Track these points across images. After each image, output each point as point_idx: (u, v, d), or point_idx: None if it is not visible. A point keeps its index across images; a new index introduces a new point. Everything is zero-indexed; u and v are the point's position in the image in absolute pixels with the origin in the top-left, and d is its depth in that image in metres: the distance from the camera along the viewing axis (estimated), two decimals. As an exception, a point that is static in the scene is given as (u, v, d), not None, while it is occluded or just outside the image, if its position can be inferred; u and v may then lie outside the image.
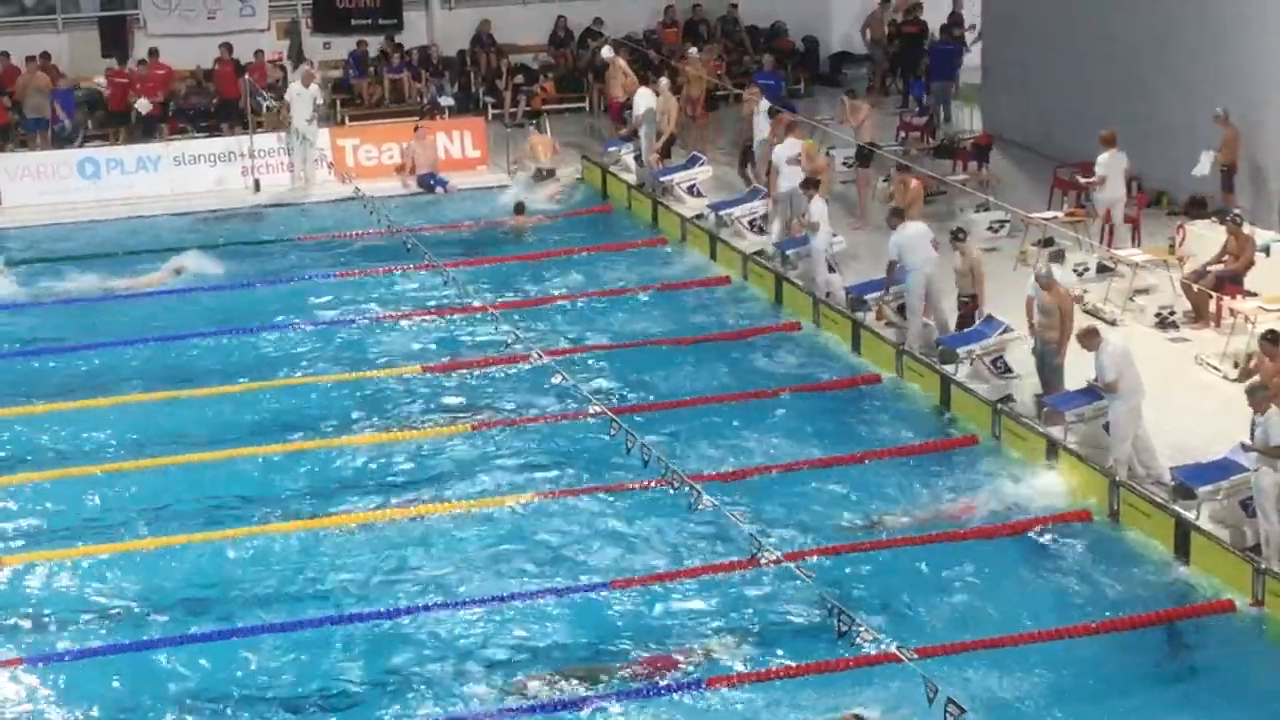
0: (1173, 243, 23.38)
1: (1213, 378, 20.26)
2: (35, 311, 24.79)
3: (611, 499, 18.24)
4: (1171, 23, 26.16)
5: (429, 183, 30.37)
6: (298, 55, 33.44)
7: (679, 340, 22.78)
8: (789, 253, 24.37)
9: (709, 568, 16.70)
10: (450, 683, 14.96)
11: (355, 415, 20.68)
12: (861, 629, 12.86)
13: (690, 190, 28.29)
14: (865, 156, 26.70)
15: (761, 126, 27.32)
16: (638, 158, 29.32)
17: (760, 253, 25.18)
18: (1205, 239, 22.65)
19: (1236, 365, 19.91)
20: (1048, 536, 17.28)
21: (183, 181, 30.15)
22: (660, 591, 16.36)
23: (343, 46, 34.78)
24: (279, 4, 34.46)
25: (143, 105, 31.49)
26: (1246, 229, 21.97)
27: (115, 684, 15.00)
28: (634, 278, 25.54)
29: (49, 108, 31.34)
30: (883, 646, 13.63)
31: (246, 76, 32.32)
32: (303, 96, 30.08)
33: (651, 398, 20.89)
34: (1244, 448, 16.33)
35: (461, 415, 20.59)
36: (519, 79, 34.68)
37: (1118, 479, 17.45)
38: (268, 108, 31.17)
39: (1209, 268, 21.85)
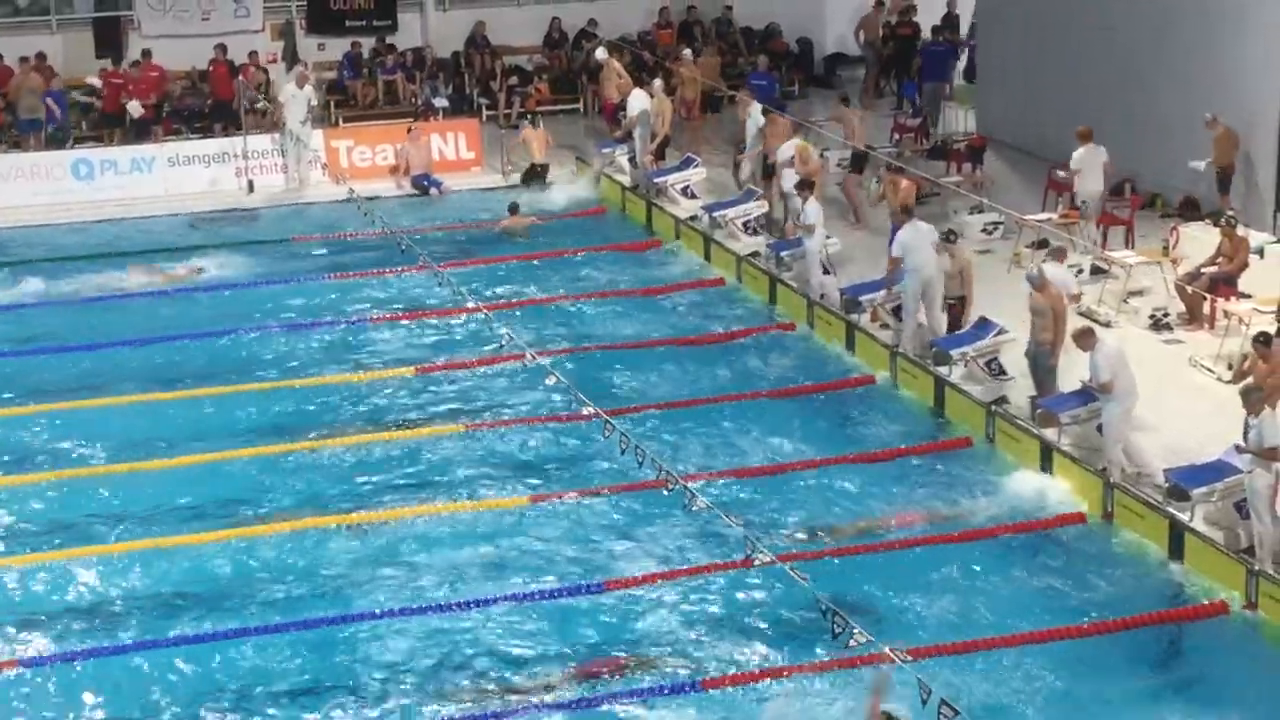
0: (1167, 244, 23.40)
1: (1207, 379, 20.27)
2: (27, 312, 24.73)
3: (605, 500, 18.22)
4: (1166, 24, 26.19)
5: (423, 184, 30.36)
6: (292, 56, 33.42)
7: (673, 341, 22.78)
8: (783, 255, 24.37)
9: (703, 568, 16.70)
10: (442, 683, 14.95)
11: (349, 416, 20.67)
12: (855, 630, 12.86)
13: (684, 192, 28.28)
14: (859, 161, 26.71)
15: (751, 129, 27.35)
16: (632, 159, 29.31)
17: (755, 254, 25.18)
18: (1199, 241, 22.67)
19: (1230, 367, 19.93)
20: (1041, 538, 17.28)
21: (177, 182, 30.14)
22: (654, 592, 16.35)
23: (337, 48, 34.77)
24: (273, 5, 34.45)
25: (134, 108, 31.46)
26: (1240, 231, 22.00)
27: (108, 686, 14.98)
28: (628, 279, 25.54)
29: (42, 108, 31.32)
30: (876, 648, 13.61)
31: (241, 78, 32.34)
32: (297, 98, 30.08)
33: (646, 399, 20.87)
34: (1238, 449, 16.33)
35: (455, 416, 20.57)
36: (513, 80, 34.68)
37: (1111, 481, 17.45)
38: (257, 107, 31.19)
39: (1203, 269, 21.87)
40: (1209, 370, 20.41)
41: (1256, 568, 15.76)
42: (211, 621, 15.96)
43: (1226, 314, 21.04)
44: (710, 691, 14.65)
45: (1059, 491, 17.99)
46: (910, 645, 14.67)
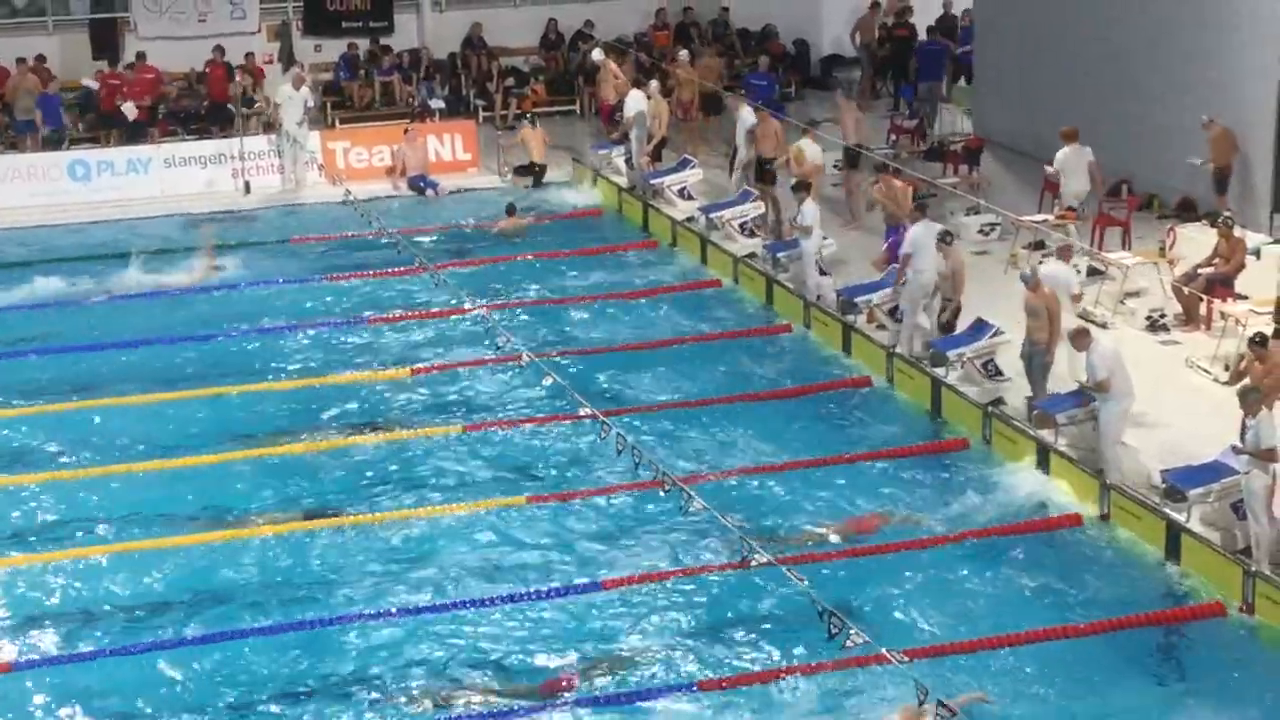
0: (1163, 245, 23.41)
1: (1203, 380, 20.28)
2: (23, 313, 24.72)
3: (602, 501, 18.21)
4: (1162, 26, 26.20)
5: (419, 185, 30.36)
6: (288, 58, 33.40)
7: (669, 342, 22.77)
8: (780, 256, 24.37)
9: (699, 569, 16.69)
10: (439, 684, 14.93)
11: (345, 418, 20.64)
12: (852, 631, 12.85)
13: (681, 193, 28.28)
14: (853, 159, 26.73)
15: (739, 132, 27.38)
16: (628, 161, 29.32)
17: (751, 255, 25.18)
18: (1196, 242, 22.68)
19: (1227, 368, 19.94)
20: (1038, 539, 17.28)
21: (173, 184, 30.13)
22: (651, 593, 16.34)
23: (333, 49, 34.78)
24: (270, 6, 34.46)
25: (129, 110, 31.46)
26: (1237, 232, 22.01)
27: (108, 688, 14.96)
28: (624, 281, 25.53)
29: (38, 112, 31.31)
30: (873, 649, 13.61)
31: (237, 78, 32.38)
32: (293, 99, 30.08)
33: (642, 400, 20.87)
34: (1235, 450, 16.34)
35: (451, 417, 20.56)
36: (510, 81, 34.70)
37: (1108, 482, 17.45)
38: (254, 108, 31.21)
39: (1200, 270, 21.88)
40: (1205, 371, 20.42)
41: (1253, 569, 15.76)
42: (206, 624, 15.94)
43: (1223, 315, 21.04)
44: (706, 693, 14.63)
45: (1055, 492, 17.99)
46: (907, 646, 14.68)
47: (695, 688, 14.72)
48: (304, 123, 30.24)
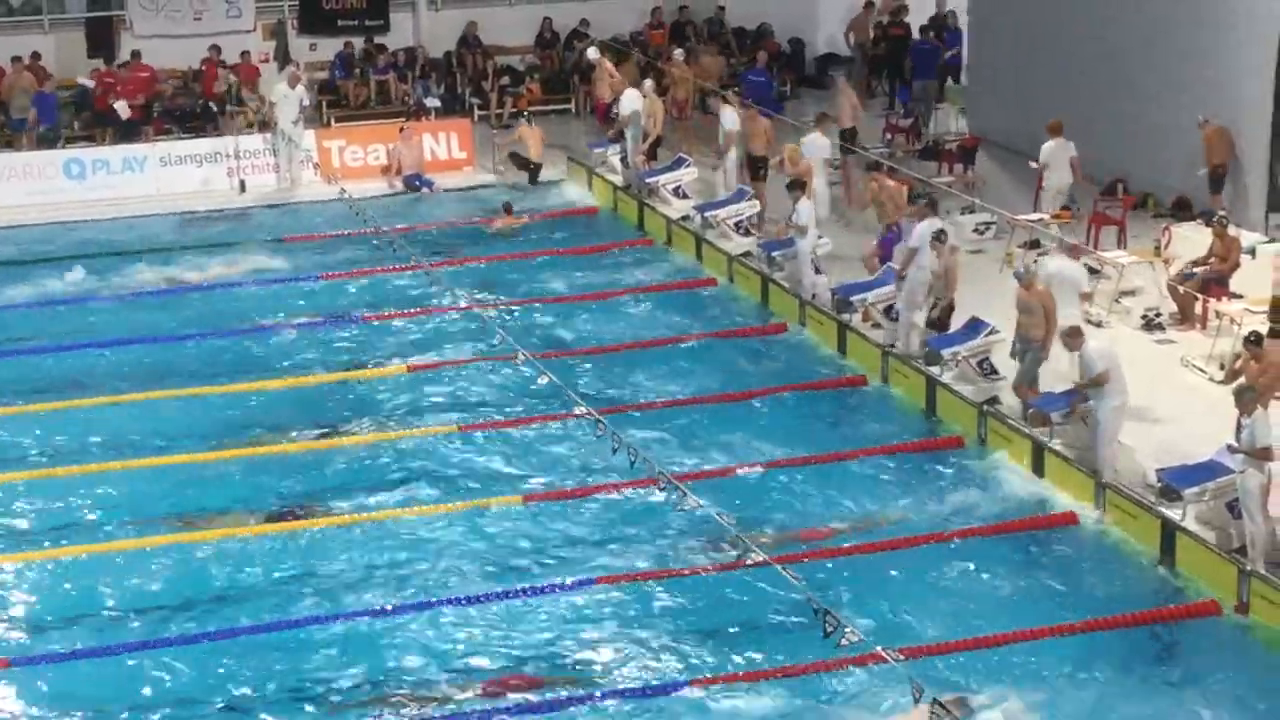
0: (1159, 244, 23.42)
1: (1198, 379, 20.29)
2: (20, 312, 24.71)
3: (597, 499, 18.21)
4: (1157, 25, 26.21)
5: (414, 184, 30.35)
6: (284, 56, 33.39)
7: (665, 341, 22.76)
8: (775, 254, 24.37)
9: (695, 568, 16.68)
10: (434, 683, 14.93)
11: (341, 416, 20.63)
12: (848, 630, 12.86)
13: (676, 192, 28.29)
14: (851, 138, 26.68)
15: (720, 133, 27.38)
16: (623, 159, 29.31)
17: (747, 254, 25.18)
18: (1191, 241, 22.69)
19: (1222, 367, 19.94)
20: (1033, 538, 17.29)
21: (168, 182, 30.12)
22: (646, 591, 16.34)
23: (329, 47, 34.77)
24: (265, 5, 34.43)
25: (122, 108, 31.43)
26: (1232, 231, 22.02)
27: (100, 685, 14.94)
28: (620, 279, 25.52)
29: (32, 110, 31.30)
30: (869, 647, 13.62)
31: (233, 77, 32.38)
32: (289, 98, 30.06)
33: (637, 399, 20.87)
34: (1230, 449, 16.33)
35: (447, 415, 20.55)
36: (505, 80, 34.70)
37: (1103, 480, 17.45)
38: (249, 107, 31.26)
39: (1195, 269, 21.89)
40: (1201, 370, 20.43)
41: (1248, 568, 15.75)
42: (202, 622, 15.92)
43: (1218, 314, 21.06)
44: (700, 691, 14.63)
45: (1050, 491, 18.00)
46: (902, 645, 14.68)
47: (689, 685, 14.71)
48: (299, 121, 30.23)
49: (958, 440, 19.40)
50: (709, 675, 14.90)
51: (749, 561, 15.78)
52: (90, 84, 32.16)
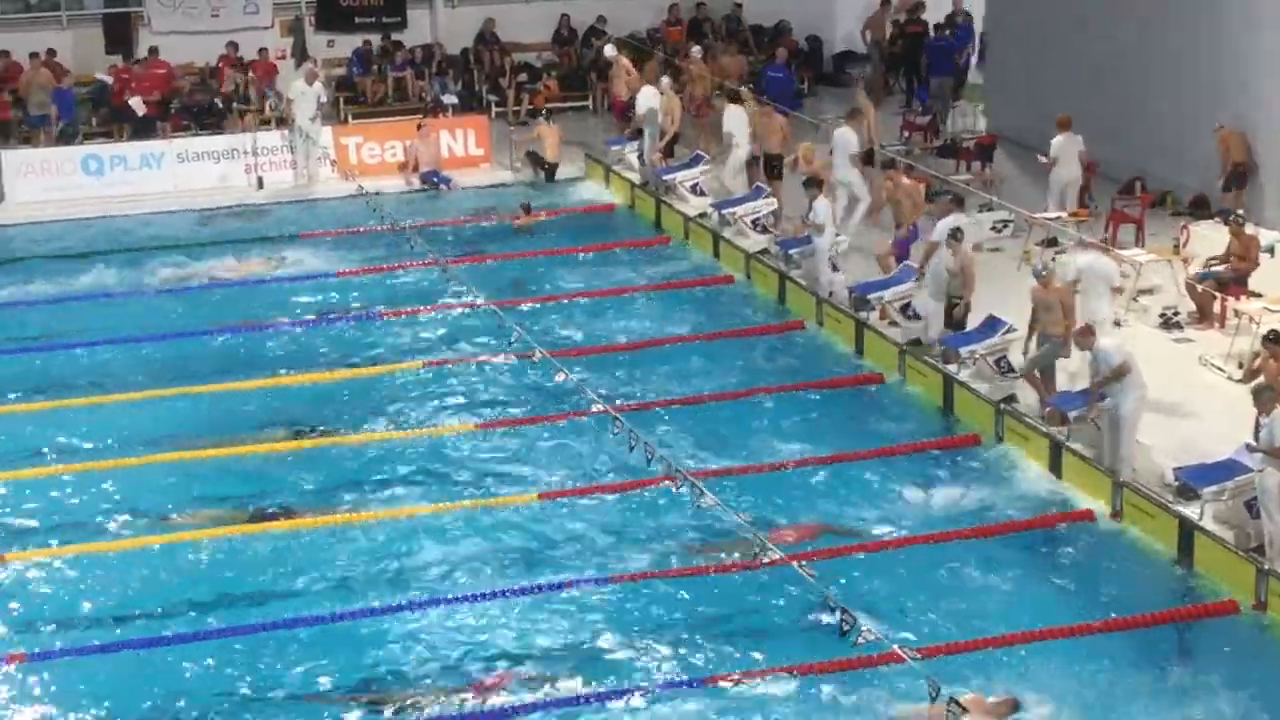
0: (1177, 243, 23.37)
1: (1217, 378, 20.24)
2: (40, 309, 24.76)
3: (614, 497, 18.20)
4: (1175, 23, 26.14)
5: (432, 180, 30.37)
6: (301, 53, 33.46)
7: (682, 339, 22.76)
8: (792, 252, 24.34)
9: (711, 566, 16.67)
10: (449, 680, 14.93)
11: (356, 413, 20.63)
12: (864, 628, 12.84)
13: (693, 189, 28.28)
14: (869, 157, 26.69)
15: (723, 130, 27.30)
16: (640, 156, 29.31)
17: (764, 251, 25.16)
18: (1210, 239, 22.64)
19: (1241, 366, 19.90)
20: (1050, 536, 17.26)
21: (186, 178, 30.17)
22: (662, 590, 16.32)
23: (346, 44, 34.81)
24: (283, 1, 34.46)
25: (137, 104, 31.49)
26: (1250, 229, 21.96)
27: (117, 682, 14.96)
28: (637, 276, 25.52)
29: (51, 106, 31.37)
30: (885, 646, 13.60)
31: (240, 76, 32.44)
32: (306, 94, 30.11)
33: (654, 396, 20.85)
34: (1249, 448, 16.30)
35: (463, 413, 20.56)
36: (522, 77, 34.70)
37: (1121, 479, 17.40)
38: (236, 106, 31.41)
39: (1213, 268, 21.83)
40: (1219, 369, 20.38)
41: (1266, 567, 15.72)
42: (215, 619, 15.94)
43: (1237, 313, 21.01)
44: (715, 688, 14.62)
45: (1068, 489, 17.97)
46: (919, 644, 14.66)
47: (704, 683, 14.70)
48: (317, 118, 30.27)
49: (974, 438, 19.37)
50: (724, 673, 14.87)
51: (765, 560, 15.76)
52: (109, 80, 32.23)
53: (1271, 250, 21.97)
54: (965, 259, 20.80)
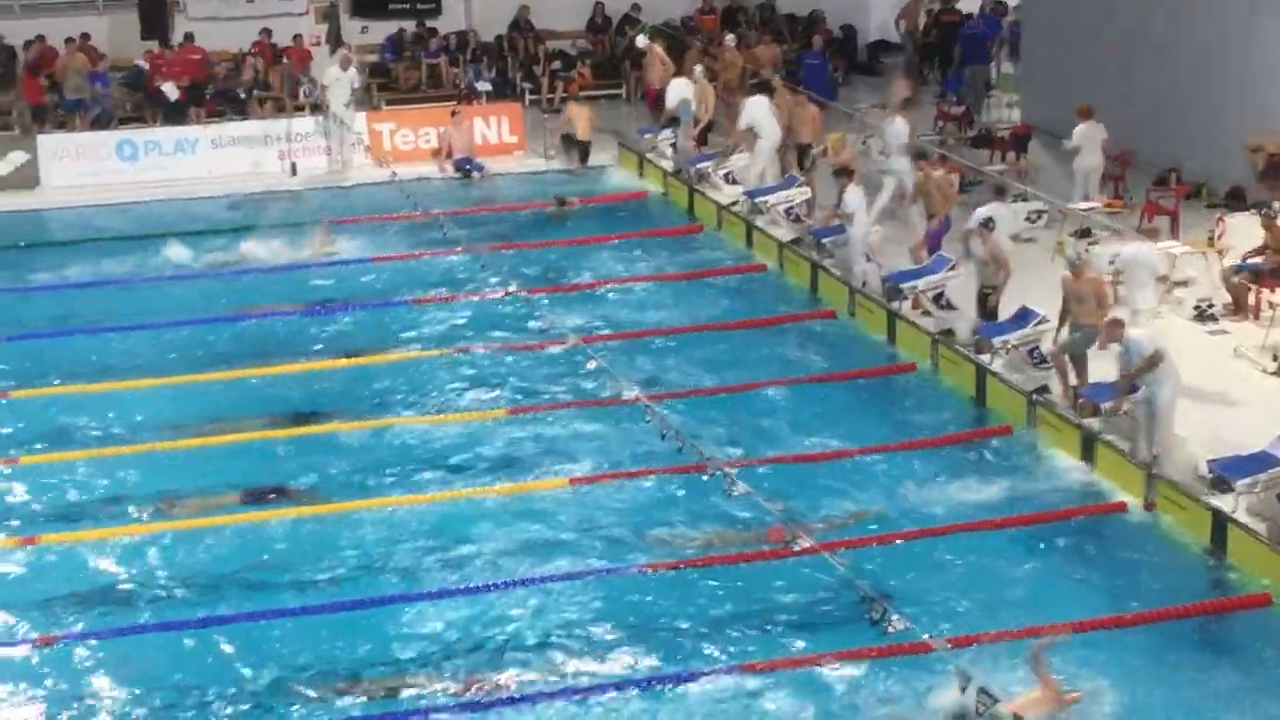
0: (1212, 235, 23.28)
1: (1252, 370, 20.18)
2: (73, 292, 24.88)
3: (644, 485, 18.20)
4: (1210, 14, 26.03)
5: (465, 167, 30.41)
6: (336, 39, 33.54)
7: (714, 327, 22.75)
8: (825, 241, 24.31)
9: (742, 555, 16.67)
10: (476, 664, 14.95)
11: (389, 399, 20.68)
12: (895, 617, 12.83)
13: (726, 178, 28.26)
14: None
15: (742, 123, 27.31)
16: (674, 145, 29.30)
17: (797, 240, 25.14)
18: (1245, 231, 22.54)
19: (1275, 358, 19.84)
20: (1082, 527, 17.22)
21: (220, 164, 30.28)
22: (694, 577, 16.33)
23: (380, 30, 34.88)
24: (317, -12, 34.60)
25: (169, 90, 31.60)
26: (1280, 221, 21.90)
27: (151, 662, 15.03)
28: (670, 265, 25.52)
29: (88, 89, 31.51)
30: (916, 635, 13.59)
31: (285, 60, 32.51)
32: (340, 81, 30.18)
33: (686, 384, 20.85)
34: (1283, 441, 16.26)
35: (496, 400, 20.58)
36: (556, 65, 34.73)
37: (1153, 471, 17.34)
38: (256, 94, 31.50)
39: (1249, 260, 21.75)
40: (1254, 361, 20.30)
41: (1299, 560, 15.67)
42: (244, 603, 15.98)
43: (1272, 305, 20.93)
44: (748, 676, 14.62)
45: (1100, 481, 17.92)
46: (949, 633, 14.64)
47: (739, 671, 14.69)
48: (351, 104, 30.35)
49: (1007, 429, 19.32)
50: (755, 661, 14.87)
51: (796, 548, 15.74)
52: (145, 65, 32.35)
53: (1306, 242, 21.87)
54: (994, 248, 20.74)
